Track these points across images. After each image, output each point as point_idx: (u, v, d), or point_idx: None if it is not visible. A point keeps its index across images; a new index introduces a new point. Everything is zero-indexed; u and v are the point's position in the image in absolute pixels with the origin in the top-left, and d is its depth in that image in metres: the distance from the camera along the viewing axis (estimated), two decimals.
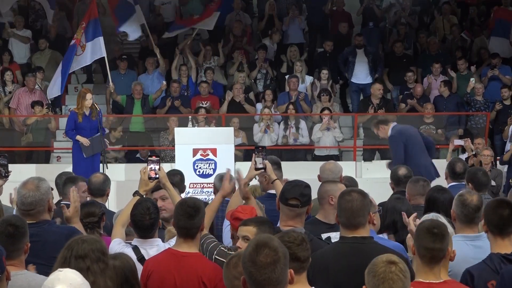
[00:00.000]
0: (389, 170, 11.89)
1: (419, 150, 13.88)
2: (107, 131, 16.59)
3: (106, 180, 10.48)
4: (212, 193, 10.51)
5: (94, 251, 5.61)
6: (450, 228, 6.88)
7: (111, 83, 19.10)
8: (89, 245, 5.63)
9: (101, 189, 10.30)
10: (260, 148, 8.22)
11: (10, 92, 19.98)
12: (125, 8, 20.04)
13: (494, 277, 6.11)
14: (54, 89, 18.73)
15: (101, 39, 18.35)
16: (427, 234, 5.70)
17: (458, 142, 18.07)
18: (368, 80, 20.55)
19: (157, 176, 7.84)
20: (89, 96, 15.20)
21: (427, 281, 5.57)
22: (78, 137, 15.19)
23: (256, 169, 8.00)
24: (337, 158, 18.72)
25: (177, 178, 9.91)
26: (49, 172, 14.50)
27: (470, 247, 6.58)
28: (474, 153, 16.59)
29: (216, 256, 6.68)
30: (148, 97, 19.72)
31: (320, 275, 6.18)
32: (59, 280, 4.58)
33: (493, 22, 22.12)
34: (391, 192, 10.26)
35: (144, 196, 7.73)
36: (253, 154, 8.16)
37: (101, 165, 15.56)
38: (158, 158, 8.00)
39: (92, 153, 15.04)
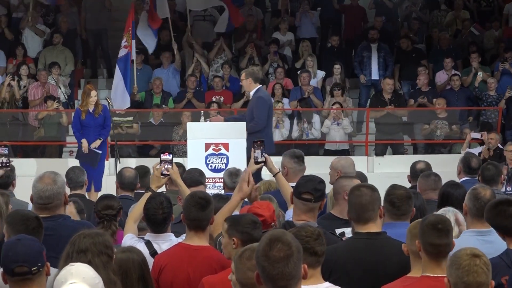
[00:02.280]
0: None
1: (270, 122, 14.40)
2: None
3: (137, 175, 10.55)
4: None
5: (95, 245, 5.62)
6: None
7: (135, 85, 19.27)
8: (90, 239, 5.63)
9: (133, 183, 10.34)
10: (258, 142, 8.21)
11: (24, 86, 20.03)
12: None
13: (508, 272, 6.11)
14: (123, 102, 18.90)
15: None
16: (432, 231, 5.70)
17: (475, 135, 18.10)
18: (380, 75, 20.53)
19: (169, 172, 7.90)
20: (93, 93, 15.24)
21: (435, 275, 5.55)
22: (83, 141, 15.29)
23: (256, 163, 8.03)
24: (348, 153, 18.75)
25: (180, 170, 9.95)
26: (61, 166, 14.57)
27: (480, 242, 6.50)
28: (488, 147, 16.63)
29: None
30: (170, 99, 19.79)
31: (336, 270, 6.20)
32: (72, 274, 4.60)
33: None
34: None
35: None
36: (252, 148, 8.19)
37: (112, 159, 15.61)
38: (171, 155, 8.07)
39: (82, 160, 15.08)
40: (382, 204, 6.74)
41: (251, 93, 13.98)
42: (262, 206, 7.26)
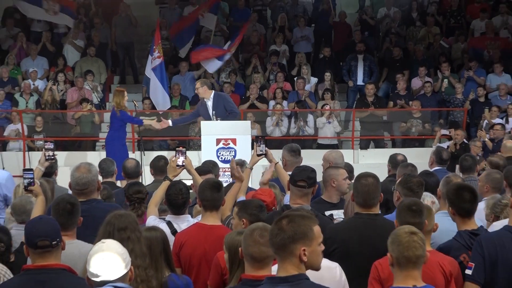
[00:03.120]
0: None
1: None
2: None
3: (138, 164, 10.56)
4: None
5: (131, 223, 5.73)
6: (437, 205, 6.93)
7: None
8: (126, 219, 5.75)
9: (136, 171, 10.33)
10: (260, 138, 8.26)
11: (61, 90, 20.02)
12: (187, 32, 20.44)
13: (464, 251, 6.11)
14: (165, 102, 19.08)
15: None
16: (408, 211, 5.70)
17: (444, 132, 18.15)
18: (365, 81, 20.48)
19: (184, 163, 7.91)
20: (125, 93, 15.03)
21: None
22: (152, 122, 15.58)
23: (258, 155, 8.05)
24: (337, 147, 18.76)
25: (162, 163, 10.00)
26: (94, 158, 14.59)
27: (451, 221, 6.53)
28: (455, 142, 16.64)
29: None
30: (187, 102, 19.78)
31: (339, 245, 6.25)
32: (103, 249, 4.61)
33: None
34: (385, 175, 10.23)
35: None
36: (255, 143, 8.22)
37: (138, 152, 15.58)
38: (185, 149, 8.09)
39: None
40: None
41: (211, 96, 14.26)
42: (265, 193, 7.32)
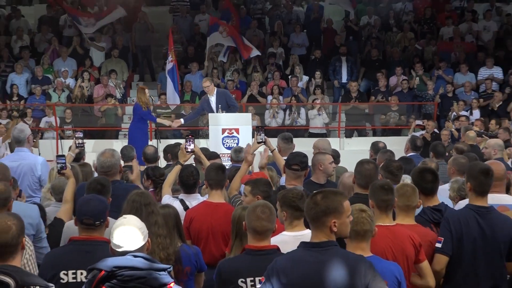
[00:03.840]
0: None
1: None
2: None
3: (156, 151, 10.62)
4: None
5: (152, 199, 5.84)
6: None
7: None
8: (148, 196, 5.87)
9: (155, 157, 10.35)
10: (260, 127, 8.31)
11: (87, 87, 20.02)
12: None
13: (428, 225, 6.12)
14: (175, 99, 19.07)
15: None
16: (381, 190, 5.70)
17: (418, 122, 18.20)
18: (348, 79, 20.49)
19: (193, 149, 7.92)
20: (147, 91, 14.96)
21: (385, 224, 5.58)
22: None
23: (258, 142, 8.08)
24: (325, 135, 18.76)
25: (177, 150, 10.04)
26: (118, 145, 14.58)
27: None
28: (427, 131, 16.67)
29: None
30: (196, 97, 19.74)
31: None
32: (125, 224, 4.60)
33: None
34: None
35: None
36: (255, 132, 8.25)
37: (155, 140, 15.57)
38: (193, 137, 8.11)
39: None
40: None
41: (215, 93, 14.24)
42: (259, 175, 7.31)
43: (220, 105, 14.03)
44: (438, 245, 5.90)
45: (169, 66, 18.89)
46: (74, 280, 5.12)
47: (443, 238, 5.90)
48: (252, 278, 5.05)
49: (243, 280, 5.08)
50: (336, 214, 4.49)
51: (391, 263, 5.26)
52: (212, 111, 14.19)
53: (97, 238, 5.18)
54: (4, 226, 4.24)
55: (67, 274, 5.10)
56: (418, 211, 6.29)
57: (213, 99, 14.16)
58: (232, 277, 5.13)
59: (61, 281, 5.09)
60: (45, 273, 5.15)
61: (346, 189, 6.92)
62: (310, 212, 4.52)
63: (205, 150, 9.99)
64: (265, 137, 8.13)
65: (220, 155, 11.23)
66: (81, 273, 5.08)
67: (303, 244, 4.56)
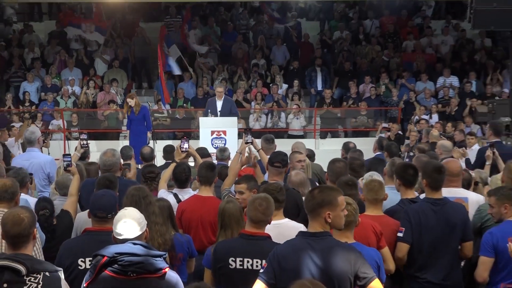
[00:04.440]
0: None
1: None
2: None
3: (152, 151, 10.56)
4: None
5: (149, 192, 5.82)
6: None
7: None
8: (145, 189, 5.83)
9: (151, 156, 10.30)
10: (247, 130, 8.26)
11: (92, 94, 19.99)
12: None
13: None
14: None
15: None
16: (345, 185, 5.70)
17: (384, 125, 18.25)
18: (322, 87, 20.52)
19: (187, 149, 7.89)
20: (129, 100, 15.04)
21: None
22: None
23: (246, 143, 8.03)
24: (302, 137, 18.78)
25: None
26: (118, 145, 14.51)
27: (392, 192, 6.59)
28: (392, 133, 16.73)
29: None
30: (188, 102, 19.71)
31: None
32: (125, 215, 4.60)
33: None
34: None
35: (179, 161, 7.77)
36: (243, 134, 8.20)
37: (152, 141, 15.52)
38: (188, 138, 8.11)
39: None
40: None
41: (223, 98, 14.34)
42: (247, 172, 7.31)
43: (224, 109, 14.08)
44: (400, 234, 5.95)
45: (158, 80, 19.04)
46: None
47: (404, 228, 5.95)
48: (241, 259, 5.06)
49: (233, 259, 5.09)
50: (331, 207, 4.50)
51: (372, 249, 5.30)
52: (215, 112, 14.17)
53: (109, 229, 5.12)
54: (17, 218, 4.24)
55: (84, 261, 5.09)
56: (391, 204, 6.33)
57: (219, 103, 14.15)
58: (224, 255, 5.14)
59: (79, 267, 5.08)
60: (63, 260, 5.15)
61: (294, 185, 6.96)
62: (308, 204, 4.55)
63: (202, 150, 10.01)
64: (252, 138, 8.11)
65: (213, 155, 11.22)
66: None
67: (301, 233, 4.61)
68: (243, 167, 7.88)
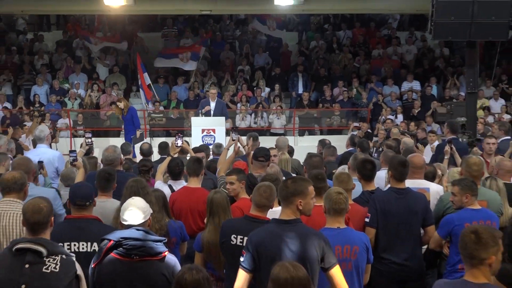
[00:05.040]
0: None
1: None
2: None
3: (150, 147, 10.53)
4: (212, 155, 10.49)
5: (145, 183, 5.79)
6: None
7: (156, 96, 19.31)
8: (142, 181, 5.79)
9: (149, 152, 10.26)
10: (234, 128, 8.47)
11: (96, 96, 19.92)
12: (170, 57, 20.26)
13: (366, 205, 6.16)
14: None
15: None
16: (316, 179, 5.69)
17: (355, 124, 18.30)
18: (302, 91, 20.53)
19: (182, 145, 7.88)
20: (118, 103, 15.43)
21: (320, 204, 5.31)
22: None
23: (233, 140, 8.03)
24: (283, 134, 18.77)
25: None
26: (119, 142, 14.46)
27: (359, 184, 6.59)
28: (361, 131, 16.76)
29: (222, 189, 6.58)
30: (181, 104, 19.67)
31: None
32: (132, 204, 4.60)
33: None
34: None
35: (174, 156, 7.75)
36: (230, 132, 8.26)
37: (149, 138, 15.47)
38: (182, 135, 8.09)
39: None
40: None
41: (215, 100, 14.30)
42: (241, 164, 7.30)
43: (217, 110, 14.03)
44: (367, 220, 5.98)
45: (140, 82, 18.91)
46: (69, 249, 4.93)
47: (370, 214, 5.98)
48: (242, 237, 5.03)
49: (235, 236, 5.06)
50: (302, 196, 4.52)
51: (361, 233, 5.33)
52: (209, 112, 14.11)
53: (88, 216, 5.12)
54: (38, 208, 4.24)
55: (69, 246, 4.97)
56: (358, 194, 6.34)
57: (213, 104, 14.11)
58: (228, 232, 5.11)
59: None
60: None
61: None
62: (282, 193, 4.57)
63: (205, 147, 10.07)
64: (238, 135, 8.12)
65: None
66: (75, 245, 4.97)
67: (275, 221, 4.60)
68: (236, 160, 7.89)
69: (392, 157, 6.69)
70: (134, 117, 15.25)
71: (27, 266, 4.03)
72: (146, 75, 18.74)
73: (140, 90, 18.85)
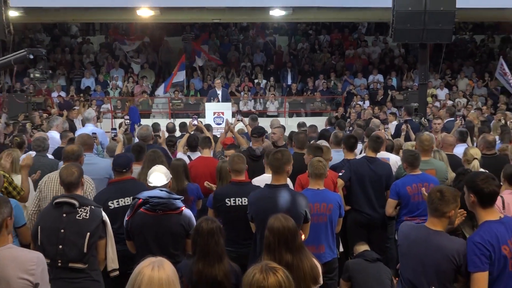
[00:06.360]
0: None
1: None
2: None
3: (174, 126, 10.35)
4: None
5: (161, 153, 5.73)
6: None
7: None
8: (159, 151, 5.75)
9: (174, 129, 10.14)
10: (238, 111, 8.32)
11: (131, 87, 19.69)
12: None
13: (344, 169, 6.11)
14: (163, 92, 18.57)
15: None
16: (316, 149, 5.61)
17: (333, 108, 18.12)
18: (292, 83, 20.33)
19: (197, 124, 7.82)
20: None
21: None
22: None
23: (238, 120, 7.97)
24: (277, 116, 18.67)
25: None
26: (149, 122, 14.33)
27: (336, 154, 6.58)
28: (336, 114, 16.64)
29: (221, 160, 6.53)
30: (198, 92, 19.44)
31: None
32: (156, 170, 4.57)
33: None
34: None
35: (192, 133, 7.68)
36: (236, 114, 8.26)
37: (172, 118, 15.32)
38: (197, 116, 8.02)
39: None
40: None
41: (221, 88, 13.99)
42: (228, 140, 7.28)
43: (223, 97, 13.85)
44: (340, 173, 5.97)
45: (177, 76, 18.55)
46: (118, 205, 5.06)
47: (344, 171, 5.98)
48: (234, 198, 5.02)
49: (229, 199, 5.03)
50: (289, 164, 4.54)
51: (335, 193, 5.28)
52: (217, 98, 13.92)
53: (127, 178, 5.14)
54: (71, 171, 4.26)
55: (113, 203, 5.03)
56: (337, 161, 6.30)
57: (220, 92, 13.92)
58: (222, 197, 5.09)
59: (110, 207, 5.02)
60: (98, 204, 5.06)
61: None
62: (274, 163, 4.52)
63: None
64: (242, 117, 8.06)
65: (213, 128, 11.11)
66: (121, 201, 5.03)
67: (268, 186, 4.60)
68: (226, 135, 7.80)
69: (372, 134, 6.66)
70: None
71: (64, 215, 4.09)
72: (181, 73, 18.52)
73: (164, 83, 18.61)
